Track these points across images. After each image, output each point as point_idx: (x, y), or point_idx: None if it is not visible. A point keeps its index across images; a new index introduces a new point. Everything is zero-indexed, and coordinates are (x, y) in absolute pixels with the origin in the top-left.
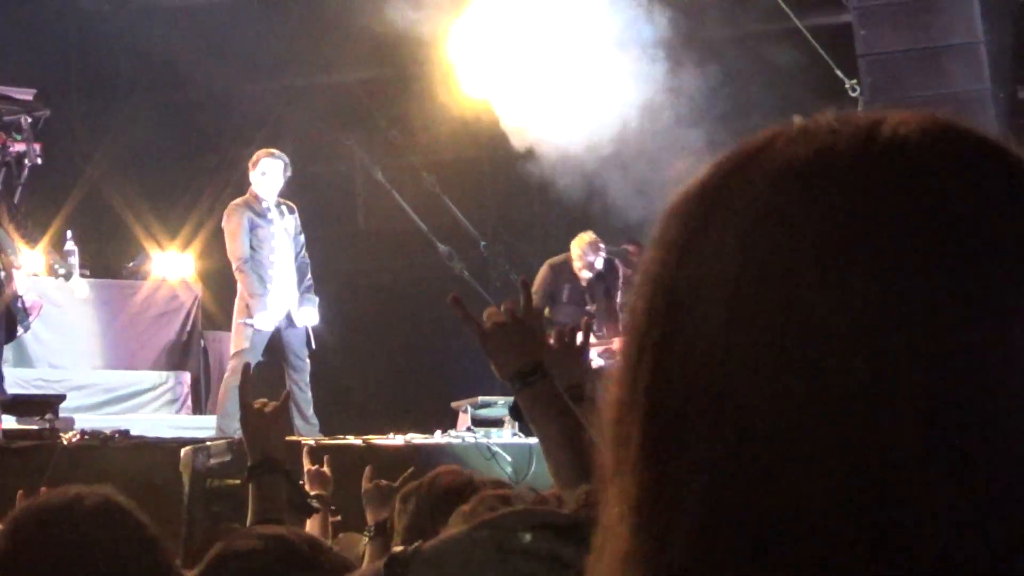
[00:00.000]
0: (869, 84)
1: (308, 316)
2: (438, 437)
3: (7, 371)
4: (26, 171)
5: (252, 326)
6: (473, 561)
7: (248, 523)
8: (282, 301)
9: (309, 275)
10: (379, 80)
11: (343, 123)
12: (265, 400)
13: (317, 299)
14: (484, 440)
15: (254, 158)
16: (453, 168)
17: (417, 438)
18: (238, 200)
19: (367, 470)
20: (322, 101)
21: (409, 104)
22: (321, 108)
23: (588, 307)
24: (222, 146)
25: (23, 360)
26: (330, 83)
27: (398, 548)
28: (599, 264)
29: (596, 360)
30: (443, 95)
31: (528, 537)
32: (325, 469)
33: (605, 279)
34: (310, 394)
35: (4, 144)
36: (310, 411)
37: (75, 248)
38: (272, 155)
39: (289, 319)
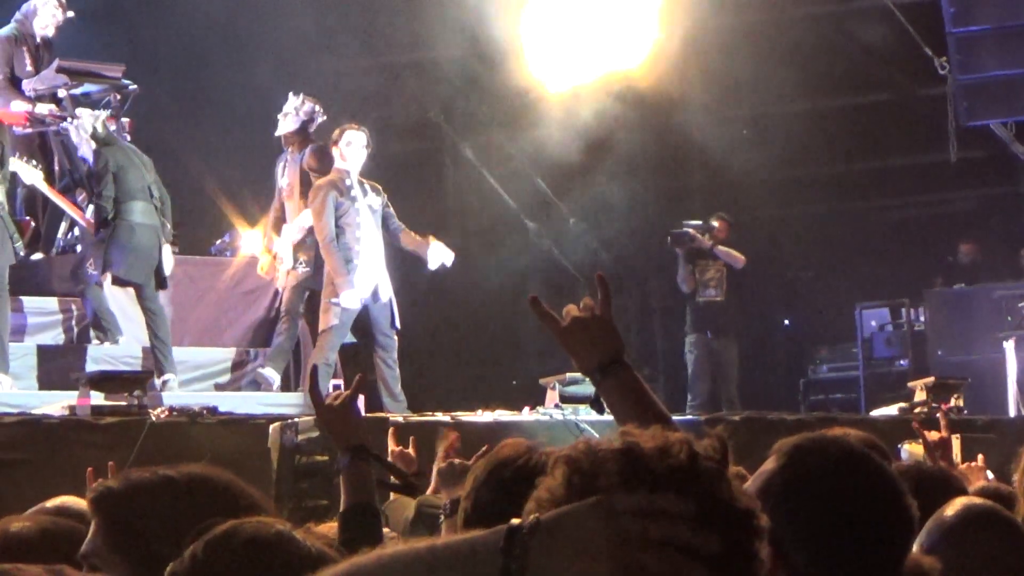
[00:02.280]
0: (958, 62)
1: (441, 254)
2: (526, 414)
3: (97, 351)
4: None
5: (339, 304)
6: (594, 535)
7: (341, 509)
8: (368, 278)
9: (413, 234)
10: (469, 58)
11: (432, 100)
12: (338, 391)
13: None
14: (572, 417)
15: (336, 133)
16: (543, 144)
17: (505, 415)
18: (323, 180)
19: (440, 450)
20: (411, 78)
21: (498, 81)
22: (410, 85)
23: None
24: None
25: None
26: (420, 60)
27: (516, 520)
28: None
29: None
30: (532, 72)
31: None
32: (409, 450)
33: None
34: (398, 371)
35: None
36: (398, 388)
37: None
38: (354, 128)
39: (375, 295)
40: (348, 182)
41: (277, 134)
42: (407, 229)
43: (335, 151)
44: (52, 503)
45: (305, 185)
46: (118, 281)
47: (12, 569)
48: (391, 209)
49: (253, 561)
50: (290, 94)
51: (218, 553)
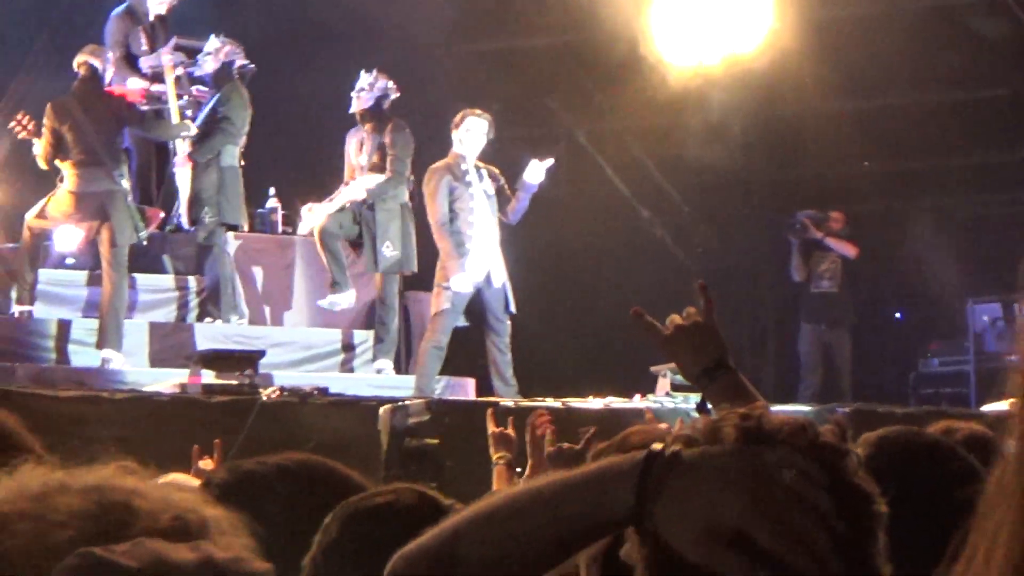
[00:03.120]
0: None
1: (536, 172)
2: (637, 401)
3: (209, 329)
4: None
5: (450, 288)
6: (734, 479)
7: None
8: (481, 263)
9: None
10: (583, 43)
11: (546, 86)
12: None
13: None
14: (683, 405)
15: (458, 117)
16: (657, 132)
17: (616, 402)
18: (438, 163)
19: (551, 433)
20: (525, 64)
21: (613, 67)
22: (524, 71)
23: None
24: (424, 108)
25: None
26: (534, 46)
27: (657, 446)
28: None
29: None
30: (648, 59)
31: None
32: (509, 431)
33: None
34: (510, 356)
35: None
36: (509, 373)
37: (278, 205)
38: (477, 114)
39: (488, 282)
40: (464, 167)
41: (352, 111)
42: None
43: (454, 135)
44: (163, 480)
45: (378, 164)
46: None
47: (159, 547)
48: (508, 195)
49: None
50: (362, 72)
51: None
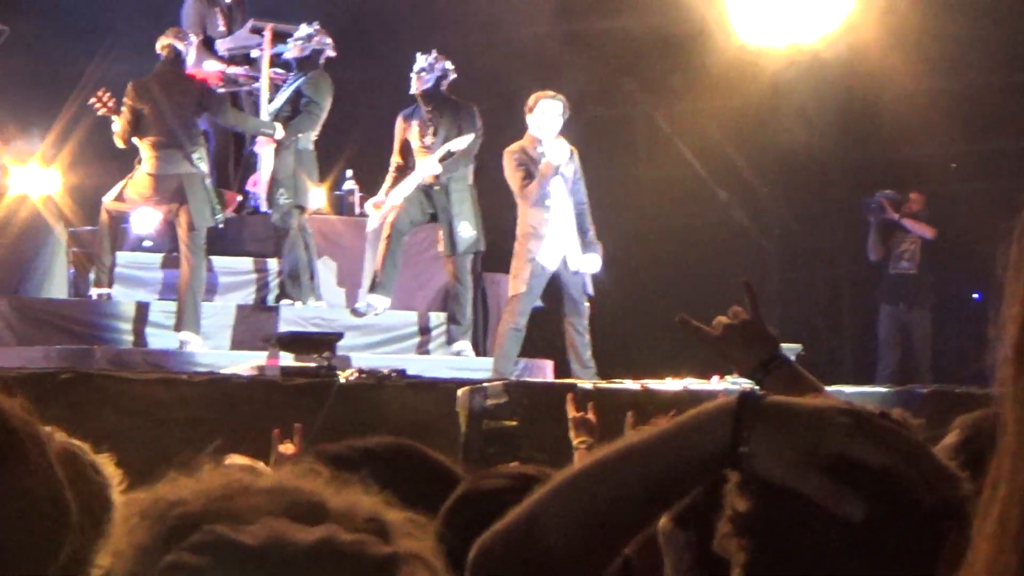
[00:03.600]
0: None
1: (590, 263)
2: (715, 383)
3: (287, 311)
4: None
5: (528, 269)
6: (833, 411)
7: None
8: (557, 246)
9: (590, 221)
10: (663, 25)
11: (625, 68)
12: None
13: (600, 246)
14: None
15: (531, 100)
16: (735, 114)
17: (694, 383)
18: (513, 146)
19: (629, 416)
20: (604, 45)
21: (692, 48)
22: (603, 52)
23: None
24: (500, 90)
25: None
26: (613, 28)
27: (748, 388)
28: None
29: None
30: (726, 41)
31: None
32: (590, 415)
33: None
34: (588, 338)
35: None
36: (588, 355)
37: (355, 187)
38: (550, 96)
39: (565, 264)
40: (539, 149)
41: (412, 92)
42: (587, 213)
43: (529, 118)
44: (228, 462)
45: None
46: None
47: (281, 526)
48: (582, 184)
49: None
50: (418, 54)
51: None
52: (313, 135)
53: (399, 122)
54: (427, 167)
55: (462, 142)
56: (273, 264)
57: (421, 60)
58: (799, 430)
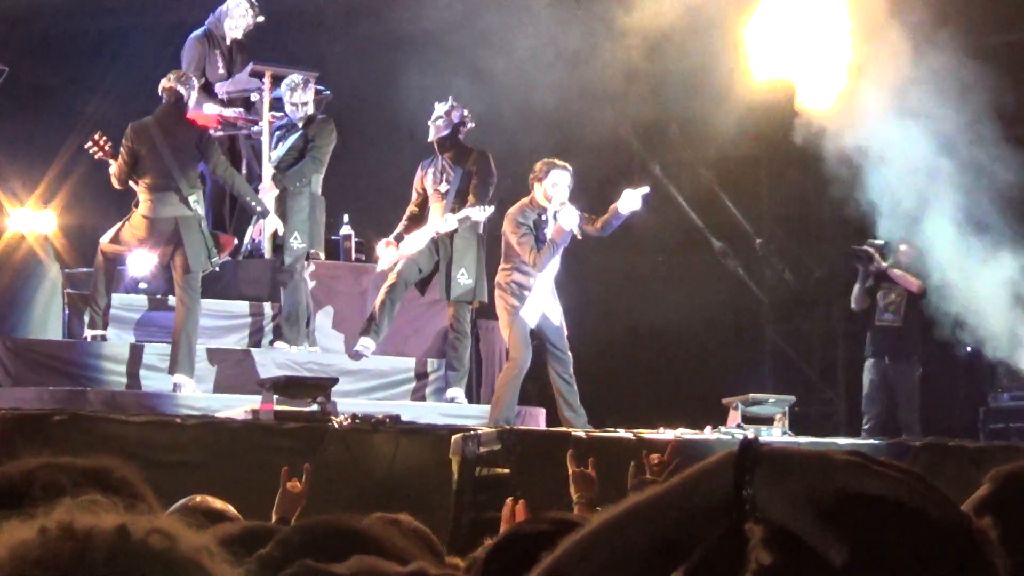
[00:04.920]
0: None
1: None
2: (708, 433)
3: (281, 355)
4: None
5: (521, 322)
6: (833, 456)
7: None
8: (540, 302)
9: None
10: (660, 74)
11: (622, 118)
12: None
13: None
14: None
15: (540, 168)
16: (730, 164)
17: (687, 433)
18: (514, 209)
19: (633, 466)
20: (603, 97)
21: (689, 99)
22: (601, 104)
23: None
24: (498, 136)
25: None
26: (611, 79)
27: (749, 435)
28: None
29: None
30: (725, 89)
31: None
32: (590, 471)
33: None
34: (575, 385)
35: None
36: (576, 401)
37: (351, 232)
38: (561, 167)
39: (545, 317)
40: (544, 217)
41: (429, 140)
42: (589, 216)
43: (538, 187)
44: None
45: (462, 192)
46: None
47: (373, 562)
48: (583, 216)
49: None
50: (436, 103)
51: None
52: (320, 179)
53: (418, 171)
54: (443, 224)
55: (480, 214)
56: (268, 308)
57: (439, 109)
58: (801, 470)
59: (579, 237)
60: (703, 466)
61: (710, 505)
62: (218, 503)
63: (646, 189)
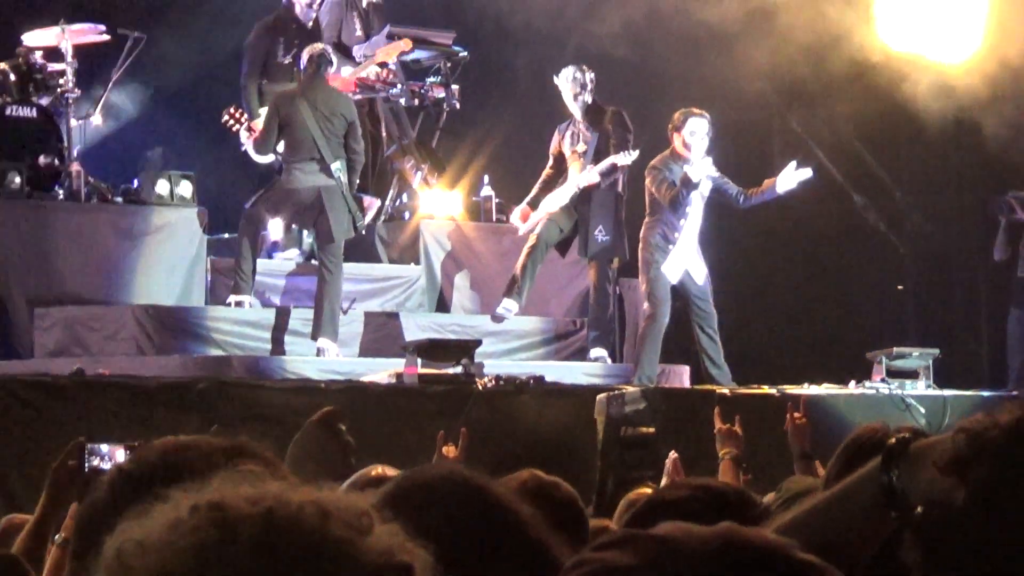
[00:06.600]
0: None
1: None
2: (852, 387)
3: (424, 318)
4: (444, 116)
5: (658, 277)
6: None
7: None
8: (681, 261)
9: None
10: (809, 28)
11: (760, 71)
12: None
13: None
14: (898, 391)
15: (677, 117)
16: (869, 116)
17: (832, 389)
18: (656, 160)
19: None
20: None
21: (828, 53)
22: (740, 56)
23: None
24: (630, 95)
25: (441, 305)
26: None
27: (891, 440)
28: None
29: None
30: (862, 46)
31: None
32: (736, 428)
33: None
34: (719, 342)
35: (423, 89)
36: (721, 359)
37: (492, 193)
38: (697, 114)
39: (689, 274)
40: (684, 166)
41: (568, 105)
42: (744, 189)
43: (677, 138)
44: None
45: (601, 151)
46: None
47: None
48: (725, 180)
49: None
50: (570, 69)
51: None
52: None
53: (555, 135)
54: (584, 178)
55: (625, 158)
56: (408, 271)
57: (568, 72)
58: (934, 451)
59: (703, 195)
60: (859, 472)
61: (872, 503)
62: (393, 472)
63: (809, 173)
